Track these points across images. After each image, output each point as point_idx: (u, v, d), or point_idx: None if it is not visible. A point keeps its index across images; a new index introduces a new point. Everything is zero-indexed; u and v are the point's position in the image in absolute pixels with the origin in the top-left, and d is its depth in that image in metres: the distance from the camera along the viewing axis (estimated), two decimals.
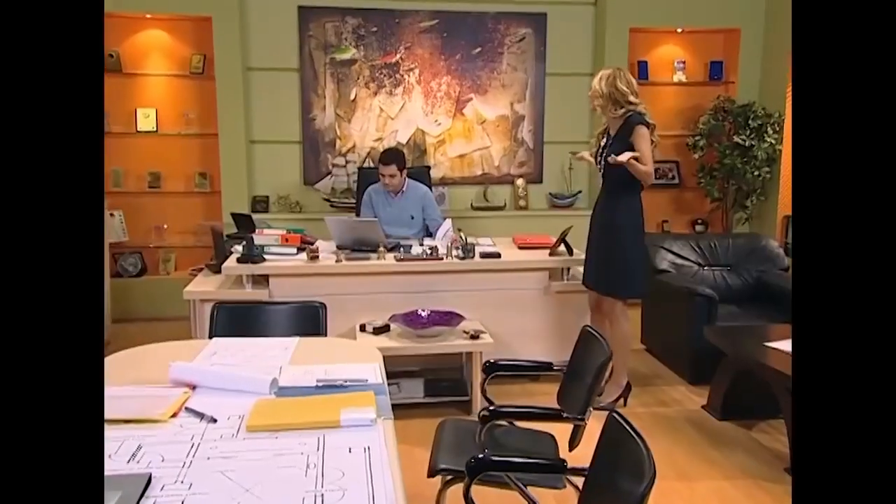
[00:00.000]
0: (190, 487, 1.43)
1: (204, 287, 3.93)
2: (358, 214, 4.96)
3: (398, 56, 5.74)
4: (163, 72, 5.58)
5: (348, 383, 2.04)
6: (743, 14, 5.91)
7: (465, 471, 1.80)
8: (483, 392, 2.58)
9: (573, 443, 2.19)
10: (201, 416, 1.78)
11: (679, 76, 6.17)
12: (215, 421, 1.75)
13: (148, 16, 5.45)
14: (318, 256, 3.90)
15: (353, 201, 5.56)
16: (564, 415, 2.16)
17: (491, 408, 2.18)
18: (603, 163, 3.67)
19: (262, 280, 3.94)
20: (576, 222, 5.19)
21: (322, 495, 1.41)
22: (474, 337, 3.74)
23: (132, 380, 2.06)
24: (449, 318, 3.81)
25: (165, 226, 5.74)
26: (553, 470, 1.84)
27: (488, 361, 2.61)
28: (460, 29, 5.77)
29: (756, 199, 5.82)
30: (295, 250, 4.01)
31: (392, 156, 4.51)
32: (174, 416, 1.78)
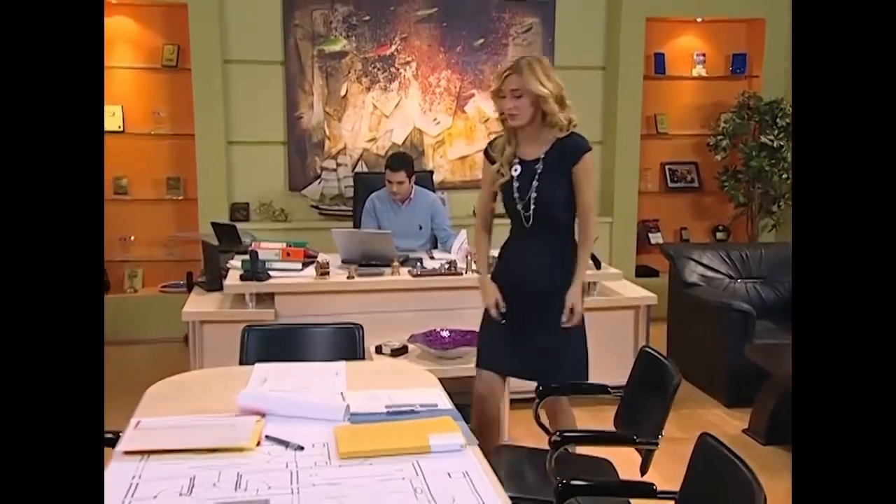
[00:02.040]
0: None
1: (202, 307, 4.11)
2: (356, 224, 5.18)
3: (393, 48, 5.98)
4: (130, 64, 5.74)
5: (420, 409, 2.27)
6: (768, 3, 6.27)
7: (555, 497, 2.05)
8: (536, 418, 2.83)
9: (644, 468, 2.45)
10: (286, 444, 1.99)
11: (699, 70, 6.53)
12: (302, 448, 1.97)
13: (113, 1, 5.61)
14: (328, 272, 4.11)
15: (345, 208, 5.79)
16: (637, 439, 2.42)
17: (560, 433, 2.43)
18: (532, 201, 2.96)
19: (265, 298, 4.14)
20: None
21: None
22: None
23: (183, 410, 2.26)
24: (473, 338, 4.03)
25: (132, 237, 5.88)
26: (642, 493, 2.09)
27: (541, 385, 2.86)
28: (461, 18, 6.03)
29: (784, 205, 6.17)
30: (300, 265, 4.22)
31: (401, 161, 4.75)
32: (257, 444, 1.99)
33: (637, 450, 2.53)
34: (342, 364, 2.70)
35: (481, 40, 6.10)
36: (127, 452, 1.92)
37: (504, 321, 3.08)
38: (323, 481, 1.80)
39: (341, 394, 2.39)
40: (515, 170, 2.98)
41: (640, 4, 6.09)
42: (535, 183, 2.95)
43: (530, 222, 2.99)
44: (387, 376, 2.69)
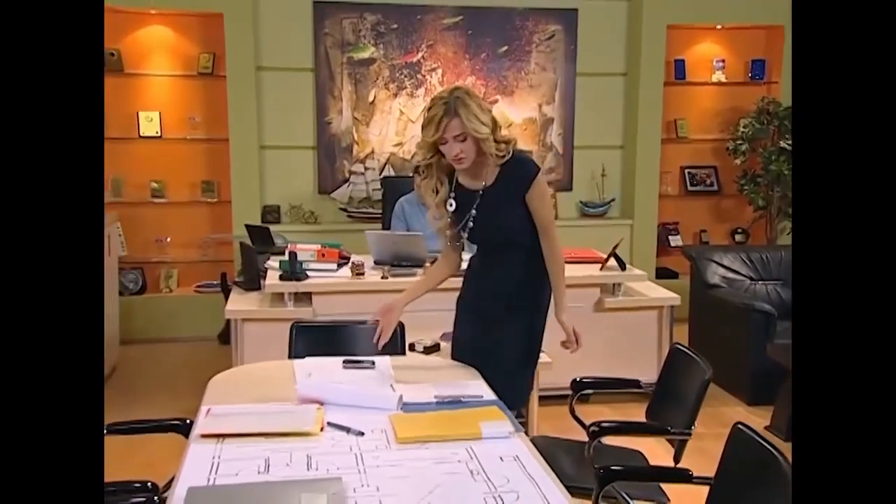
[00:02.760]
0: (378, 490, 1.80)
1: (243, 306, 4.27)
2: (384, 226, 5.33)
3: (420, 55, 6.13)
4: (167, 72, 5.92)
5: (466, 399, 2.41)
6: (786, 9, 6.34)
7: (596, 481, 2.19)
8: (572, 412, 2.97)
9: (678, 457, 2.59)
10: (347, 429, 2.14)
11: (718, 75, 6.64)
12: (362, 434, 2.12)
13: (152, 11, 5.78)
14: (363, 273, 4.27)
15: (373, 211, 5.94)
16: (671, 430, 2.55)
17: (598, 424, 2.57)
18: (465, 230, 2.88)
19: (302, 297, 4.30)
20: (611, 232, 5.63)
21: (501, 496, 1.79)
22: None
23: (245, 399, 2.41)
24: None
25: (168, 239, 6.05)
26: (680, 479, 2.23)
27: (576, 379, 3.00)
28: (486, 26, 6.18)
29: None
30: (335, 266, 4.37)
31: None
32: (321, 430, 2.14)
33: (669, 441, 2.67)
34: (387, 359, 2.85)
35: (505, 47, 6.24)
36: (204, 436, 2.07)
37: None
38: (385, 463, 1.95)
39: (391, 385, 2.54)
40: (451, 205, 2.87)
41: (661, 12, 6.21)
42: (473, 212, 2.82)
43: (477, 249, 3.00)
44: (431, 370, 2.84)
